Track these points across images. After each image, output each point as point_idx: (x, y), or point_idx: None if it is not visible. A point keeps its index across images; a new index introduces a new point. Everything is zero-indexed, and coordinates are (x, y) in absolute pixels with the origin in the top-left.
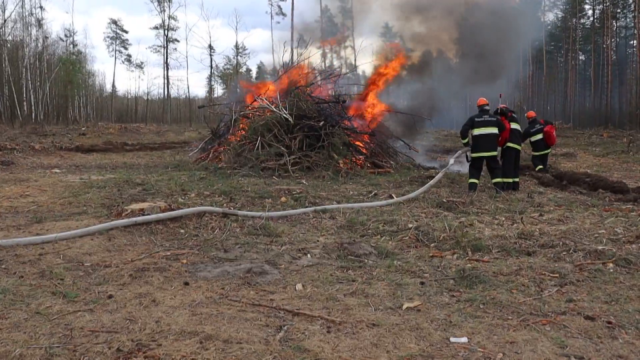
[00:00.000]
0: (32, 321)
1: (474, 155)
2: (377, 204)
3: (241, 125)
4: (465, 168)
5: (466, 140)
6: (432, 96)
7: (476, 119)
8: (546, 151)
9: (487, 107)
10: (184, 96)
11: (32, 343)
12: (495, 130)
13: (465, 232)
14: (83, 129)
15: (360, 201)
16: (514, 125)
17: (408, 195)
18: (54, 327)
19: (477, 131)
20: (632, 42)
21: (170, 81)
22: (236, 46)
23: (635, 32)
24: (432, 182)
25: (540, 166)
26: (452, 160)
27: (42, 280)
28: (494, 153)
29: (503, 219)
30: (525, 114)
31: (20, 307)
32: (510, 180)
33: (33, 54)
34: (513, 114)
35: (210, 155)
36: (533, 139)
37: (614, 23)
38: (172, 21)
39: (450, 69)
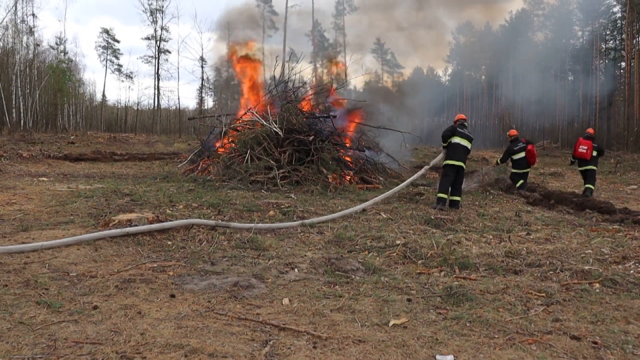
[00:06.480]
0: (15, 331)
1: (449, 162)
2: (355, 209)
3: (231, 138)
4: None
5: (447, 144)
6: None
7: (458, 129)
8: (527, 169)
9: (466, 123)
10: (174, 107)
11: (15, 353)
12: (469, 145)
13: (452, 250)
14: (72, 137)
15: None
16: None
17: (382, 195)
18: (37, 337)
19: (456, 139)
20: (620, 63)
21: (161, 92)
22: (228, 59)
23: (624, 54)
24: (414, 176)
25: (522, 181)
26: (434, 161)
27: (26, 290)
28: (464, 165)
29: (491, 237)
30: (507, 132)
31: (4, 316)
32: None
33: (23, 61)
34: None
35: (199, 167)
36: (516, 157)
37: (603, 45)
38: (164, 32)
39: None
